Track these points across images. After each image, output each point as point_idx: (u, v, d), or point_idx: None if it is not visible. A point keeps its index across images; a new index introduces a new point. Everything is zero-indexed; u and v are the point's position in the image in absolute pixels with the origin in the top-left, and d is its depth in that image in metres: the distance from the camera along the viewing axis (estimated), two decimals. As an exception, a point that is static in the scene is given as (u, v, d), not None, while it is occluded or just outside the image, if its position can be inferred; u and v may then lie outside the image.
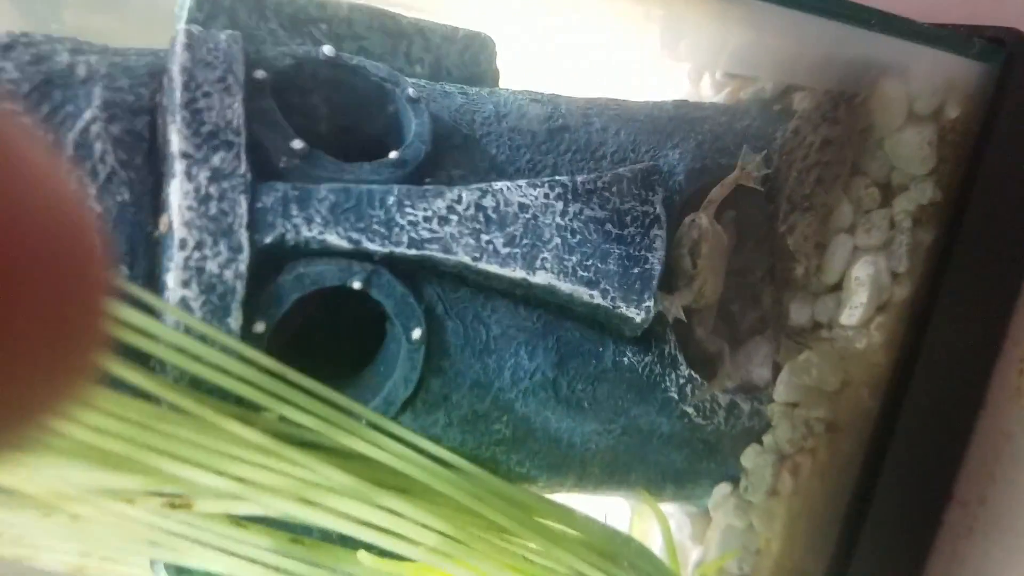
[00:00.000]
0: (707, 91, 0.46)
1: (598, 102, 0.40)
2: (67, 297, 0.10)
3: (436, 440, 0.36)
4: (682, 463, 0.43)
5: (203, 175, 0.29)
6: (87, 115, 0.29)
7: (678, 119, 0.41)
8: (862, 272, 0.43)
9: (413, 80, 0.36)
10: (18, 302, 0.09)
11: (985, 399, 0.47)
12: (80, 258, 0.10)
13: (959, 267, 0.43)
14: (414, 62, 0.39)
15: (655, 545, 0.50)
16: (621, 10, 0.37)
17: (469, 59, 0.40)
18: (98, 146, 0.28)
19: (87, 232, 0.11)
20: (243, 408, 0.30)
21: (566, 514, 0.41)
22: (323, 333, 0.36)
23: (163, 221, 0.29)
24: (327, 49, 0.33)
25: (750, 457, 0.45)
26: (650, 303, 0.36)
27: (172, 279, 0.28)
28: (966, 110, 0.43)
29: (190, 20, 0.35)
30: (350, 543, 0.35)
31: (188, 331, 0.28)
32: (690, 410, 0.41)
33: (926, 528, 0.50)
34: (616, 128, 0.39)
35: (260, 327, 0.30)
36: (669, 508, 0.50)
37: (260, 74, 0.31)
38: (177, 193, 0.28)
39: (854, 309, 0.44)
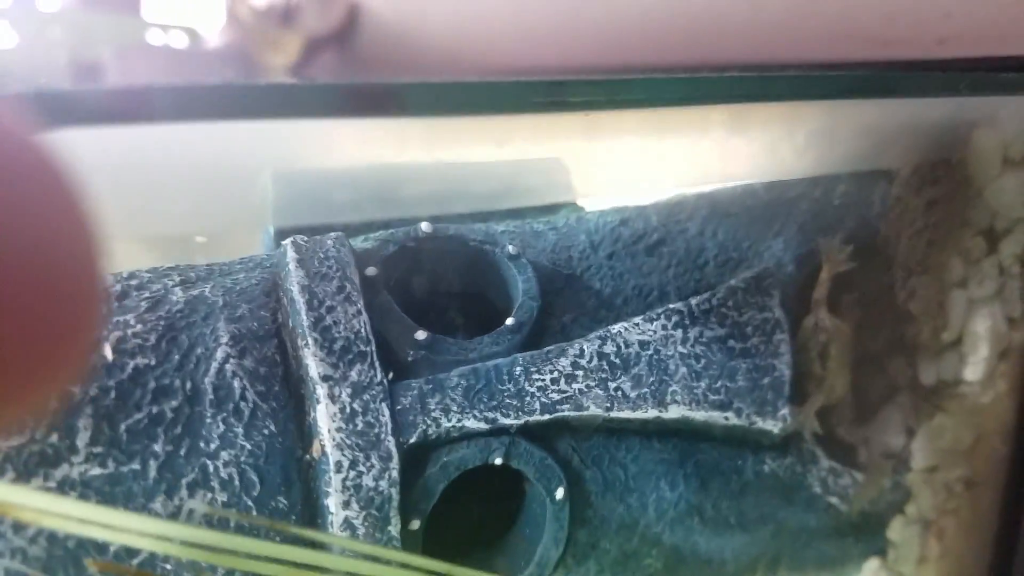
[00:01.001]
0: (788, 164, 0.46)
1: (686, 203, 0.41)
2: (57, 298, 0.11)
3: (590, 587, 0.37)
4: (833, 550, 0.43)
5: (345, 393, 0.29)
6: (219, 355, 0.29)
7: (773, 203, 0.41)
8: (980, 325, 0.43)
9: (503, 227, 0.37)
10: (6, 302, 0.10)
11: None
12: (72, 258, 0.11)
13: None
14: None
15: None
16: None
17: (543, 184, 0.41)
18: (236, 384, 0.29)
19: (80, 232, 0.11)
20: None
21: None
22: (459, 501, 0.37)
23: (315, 447, 0.29)
24: (425, 226, 0.34)
25: (896, 529, 0.44)
26: (785, 411, 0.37)
27: (333, 503, 0.29)
28: (1059, 144, 0.42)
29: (275, 210, 0.36)
30: None
31: (354, 554, 0.29)
32: (835, 500, 0.41)
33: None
34: (712, 228, 0.40)
35: (416, 524, 0.31)
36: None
37: (371, 271, 0.32)
38: (325, 417, 0.29)
39: (977, 364, 0.44)
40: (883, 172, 0.44)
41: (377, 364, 0.30)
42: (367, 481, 0.30)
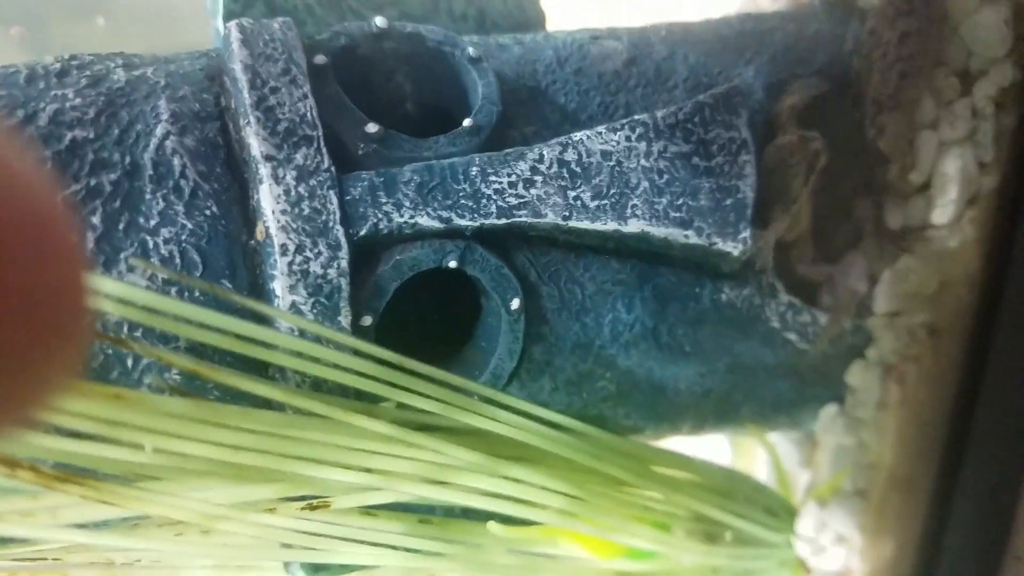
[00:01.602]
0: (766, 2, 0.45)
1: (658, 28, 0.40)
2: (44, 291, 0.11)
3: (544, 405, 0.37)
4: (790, 392, 0.44)
5: (290, 176, 0.29)
6: (159, 131, 0.29)
7: (746, 33, 0.40)
8: (949, 167, 0.43)
9: (468, 38, 0.36)
10: None
11: (1085, 278, 0.47)
12: (54, 252, 0.11)
13: (1049, 147, 0.43)
14: (458, 18, 0.39)
15: (761, 475, 0.52)
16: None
17: (513, 5, 0.40)
18: (176, 161, 0.29)
19: (60, 225, 0.11)
20: (364, 402, 0.31)
21: (679, 460, 0.43)
22: (416, 309, 0.37)
23: (259, 229, 0.29)
24: (379, 20, 0.33)
25: (856, 374, 0.45)
26: (747, 234, 0.37)
27: (279, 286, 0.29)
28: (1043, -21, 0.41)
29: (227, 11, 0.35)
30: (474, 516, 0.36)
31: (303, 334, 0.29)
32: (793, 337, 0.41)
33: (1035, 418, 0.50)
34: (683, 53, 0.39)
35: (367, 320, 0.31)
36: (772, 438, 0.51)
37: (320, 59, 0.31)
38: (268, 198, 0.29)
39: (945, 207, 0.44)
40: (857, 10, 0.43)
41: (324, 150, 0.30)
42: (315, 267, 0.29)
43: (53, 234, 0.11)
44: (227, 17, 0.35)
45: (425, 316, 0.37)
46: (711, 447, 0.53)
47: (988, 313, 0.47)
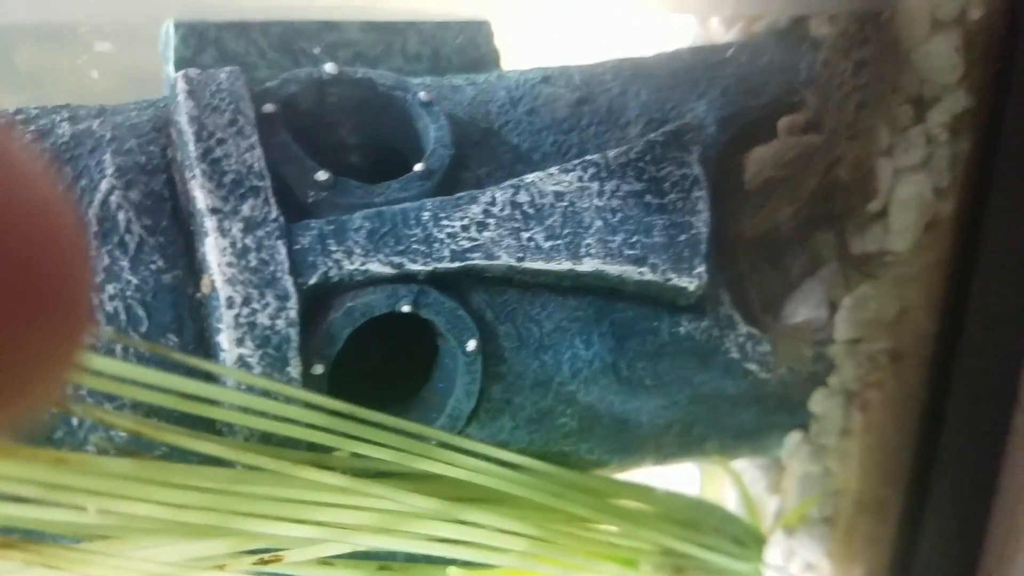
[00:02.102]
0: (717, 31, 0.46)
1: (611, 65, 0.40)
2: (44, 283, 0.11)
3: (504, 445, 0.37)
4: (752, 420, 0.44)
5: (236, 228, 0.29)
6: (103, 186, 0.29)
7: (698, 67, 0.41)
8: (905, 194, 0.44)
9: (419, 81, 0.36)
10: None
11: (1045, 299, 0.48)
12: (60, 260, 0.11)
13: (1003, 171, 0.44)
14: (412, 58, 0.39)
15: (729, 501, 0.52)
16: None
17: (467, 43, 0.40)
18: (121, 216, 0.29)
19: (65, 229, 0.11)
20: (316, 453, 0.31)
21: (643, 492, 0.43)
22: (373, 354, 0.37)
23: (204, 282, 0.29)
24: (329, 67, 0.33)
25: (819, 401, 0.46)
26: (701, 268, 0.37)
27: (225, 339, 0.29)
28: (990, 8, 0.42)
29: (178, 59, 0.35)
30: (437, 560, 0.36)
31: (251, 388, 0.29)
32: (753, 367, 0.42)
33: (998, 438, 0.51)
34: (636, 89, 0.39)
35: (319, 369, 0.31)
36: (740, 464, 0.51)
37: (269, 108, 0.31)
38: (214, 251, 0.29)
39: (902, 233, 0.44)
40: (810, 40, 0.44)
41: (272, 200, 0.30)
42: (262, 319, 0.29)
43: (57, 231, 0.11)
44: (178, 63, 0.35)
45: (382, 360, 0.37)
46: (680, 475, 0.53)
47: (950, 337, 0.48)
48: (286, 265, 0.30)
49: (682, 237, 0.37)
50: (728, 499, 0.52)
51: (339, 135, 0.35)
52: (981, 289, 0.46)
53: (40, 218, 0.11)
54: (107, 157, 0.29)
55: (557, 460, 0.40)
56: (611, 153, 0.36)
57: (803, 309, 0.45)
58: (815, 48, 0.44)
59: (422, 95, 0.35)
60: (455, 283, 0.34)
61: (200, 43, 0.34)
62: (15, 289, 0.10)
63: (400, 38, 0.38)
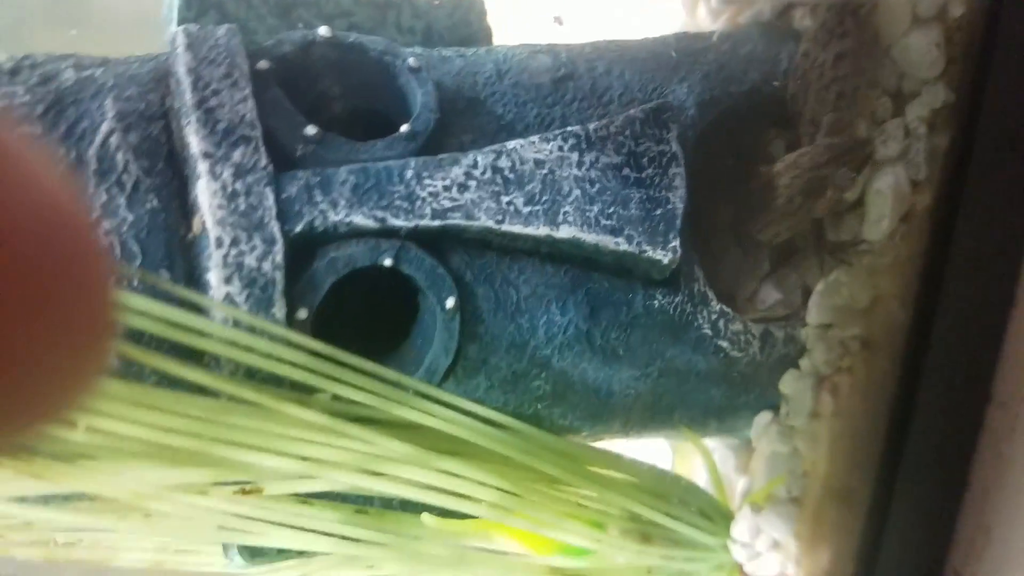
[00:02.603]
0: (704, 20, 0.48)
1: (598, 45, 0.42)
2: (71, 298, 0.11)
3: (480, 403, 0.39)
4: (722, 398, 0.46)
5: (227, 172, 0.31)
6: (104, 128, 0.31)
7: (681, 52, 0.42)
8: (882, 184, 0.45)
9: (410, 49, 0.38)
10: (23, 304, 0.10)
11: (1016, 296, 0.49)
12: (82, 259, 0.11)
13: (979, 166, 0.45)
14: (405, 31, 0.41)
15: (700, 480, 0.53)
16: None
17: (459, 20, 0.42)
18: (120, 157, 0.31)
19: (87, 233, 0.11)
20: (298, 392, 0.33)
21: (614, 460, 0.45)
22: (358, 311, 0.38)
23: (196, 222, 0.31)
24: (323, 30, 0.35)
25: (789, 383, 0.47)
26: (676, 243, 0.39)
27: (214, 277, 0.31)
28: (971, 5, 0.44)
29: (180, 20, 0.37)
30: (411, 508, 0.38)
31: (237, 325, 0.31)
32: (725, 344, 0.44)
33: (969, 433, 0.52)
34: (620, 69, 0.41)
35: (303, 314, 0.33)
36: (711, 443, 0.53)
37: (263, 64, 0.33)
38: (205, 193, 0.31)
39: (878, 223, 0.46)
40: (792, 32, 0.46)
41: (262, 149, 0.32)
42: (249, 261, 0.31)
43: (77, 233, 0.11)
44: (181, 24, 0.37)
45: (365, 316, 0.39)
46: (652, 450, 0.55)
47: (923, 329, 0.49)
48: (273, 211, 0.32)
49: (658, 211, 0.39)
50: (698, 477, 0.53)
51: (330, 95, 0.37)
52: (954, 282, 0.48)
53: (61, 236, 0.11)
54: (108, 102, 0.31)
55: (531, 423, 0.41)
56: (592, 125, 0.38)
57: (776, 292, 0.47)
58: (797, 40, 0.45)
59: (411, 61, 0.37)
60: (436, 242, 0.36)
61: (202, 6, 0.36)
62: (37, 304, 0.10)
63: (395, 12, 0.40)
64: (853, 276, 0.47)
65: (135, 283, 0.30)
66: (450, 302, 0.36)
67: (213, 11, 0.37)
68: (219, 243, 0.31)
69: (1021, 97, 0.45)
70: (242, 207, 0.31)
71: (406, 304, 0.38)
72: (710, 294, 0.43)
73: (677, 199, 0.39)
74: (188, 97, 0.31)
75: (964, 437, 0.52)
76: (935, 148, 0.46)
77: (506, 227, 0.36)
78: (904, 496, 0.51)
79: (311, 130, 0.33)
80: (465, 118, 0.38)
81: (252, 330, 0.31)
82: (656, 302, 0.41)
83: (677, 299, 0.42)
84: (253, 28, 0.38)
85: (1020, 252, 0.48)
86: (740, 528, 0.49)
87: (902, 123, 0.46)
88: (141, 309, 0.28)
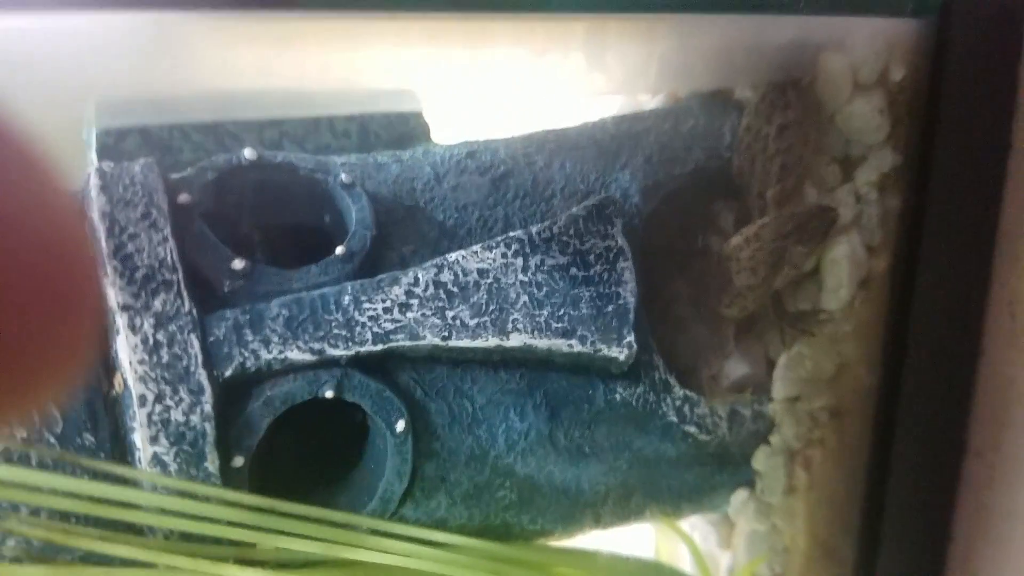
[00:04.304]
0: (644, 98, 0.47)
1: (536, 138, 0.41)
2: (54, 299, 0.11)
3: (443, 522, 0.37)
4: (695, 480, 0.44)
5: (148, 324, 0.29)
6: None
7: (621, 136, 0.41)
8: (837, 253, 0.45)
9: (343, 159, 0.37)
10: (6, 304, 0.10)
11: (982, 347, 0.49)
12: (66, 258, 0.11)
13: (933, 225, 0.45)
14: (340, 135, 0.40)
15: (685, 562, 0.52)
16: (541, 47, 0.38)
17: (396, 119, 0.41)
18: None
19: (71, 230, 0.11)
20: (239, 547, 0.31)
21: (586, 558, 0.43)
22: (305, 439, 0.37)
23: (117, 380, 0.29)
24: (248, 152, 0.34)
25: (761, 460, 0.46)
26: (630, 338, 0.37)
27: (139, 438, 0.29)
28: (911, 68, 0.44)
29: (100, 144, 0.35)
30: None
31: (167, 490, 0.29)
32: (692, 429, 0.42)
33: (948, 486, 0.51)
34: (560, 161, 0.40)
35: (239, 461, 0.31)
36: (692, 520, 0.51)
37: (184, 198, 0.32)
38: (125, 349, 0.29)
39: (836, 292, 0.45)
40: (734, 104, 0.45)
41: (185, 293, 0.30)
42: (176, 415, 0.29)
43: (61, 225, 0.11)
44: (100, 150, 0.35)
45: (313, 441, 0.37)
46: (634, 531, 0.53)
47: (890, 391, 0.48)
48: (199, 358, 0.30)
49: (609, 308, 0.37)
50: (682, 557, 0.51)
51: (261, 218, 0.35)
52: (919, 340, 0.47)
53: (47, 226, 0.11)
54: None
55: (499, 532, 0.39)
56: (534, 228, 0.36)
57: (743, 366, 0.46)
58: (739, 112, 0.45)
59: (343, 177, 0.35)
60: (380, 364, 0.34)
61: (121, 131, 0.34)
62: (21, 288, 0.10)
63: (327, 116, 0.39)
64: (816, 347, 0.46)
65: (53, 462, 0.28)
66: (400, 425, 0.34)
67: (135, 132, 0.36)
68: (142, 401, 0.29)
69: (968, 152, 0.45)
70: (165, 358, 0.29)
71: (356, 426, 0.36)
72: (672, 381, 0.41)
73: (628, 293, 0.38)
74: (103, 246, 0.29)
75: (943, 490, 0.51)
76: (887, 211, 0.45)
77: (453, 342, 0.34)
78: (890, 557, 0.50)
79: (239, 264, 0.31)
80: (405, 228, 0.36)
81: (183, 494, 0.29)
82: (618, 396, 0.40)
83: (639, 390, 0.40)
84: (178, 147, 0.37)
85: (982, 303, 0.48)
86: (725, 611, 0.48)
87: (852, 189, 0.45)
88: (62, 489, 0.26)
